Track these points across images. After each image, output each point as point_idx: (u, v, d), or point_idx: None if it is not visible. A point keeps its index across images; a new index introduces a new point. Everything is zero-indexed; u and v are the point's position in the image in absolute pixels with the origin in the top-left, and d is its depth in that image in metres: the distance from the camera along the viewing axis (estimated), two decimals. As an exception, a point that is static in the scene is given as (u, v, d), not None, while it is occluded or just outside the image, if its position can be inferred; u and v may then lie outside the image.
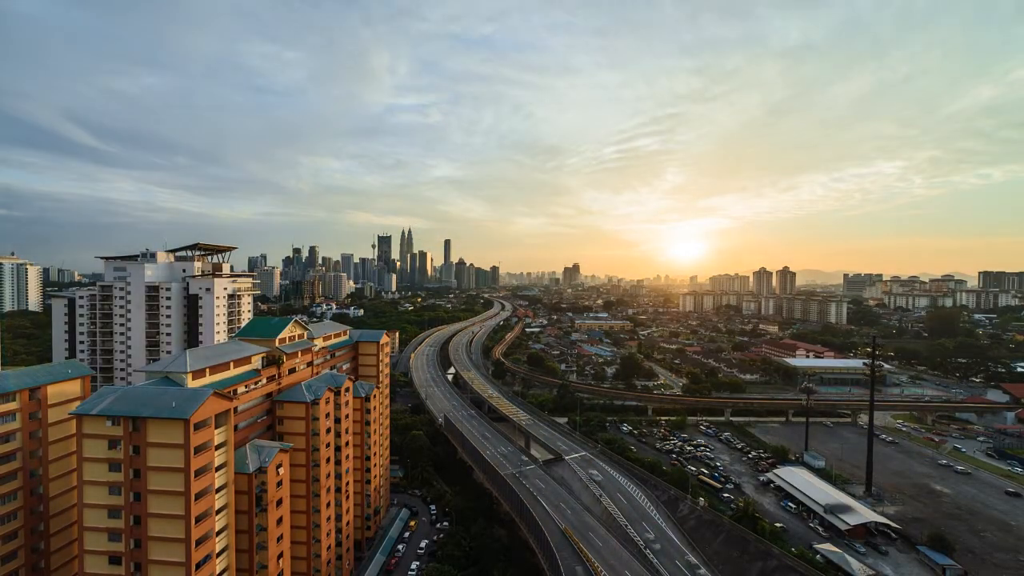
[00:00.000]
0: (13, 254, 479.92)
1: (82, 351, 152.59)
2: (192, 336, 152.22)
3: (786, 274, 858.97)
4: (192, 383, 65.34)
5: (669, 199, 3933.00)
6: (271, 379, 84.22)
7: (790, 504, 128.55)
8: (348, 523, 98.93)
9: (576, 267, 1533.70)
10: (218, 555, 63.09)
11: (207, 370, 68.80)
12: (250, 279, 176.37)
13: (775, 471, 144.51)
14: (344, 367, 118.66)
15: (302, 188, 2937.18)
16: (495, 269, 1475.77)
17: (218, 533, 63.29)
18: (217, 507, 63.05)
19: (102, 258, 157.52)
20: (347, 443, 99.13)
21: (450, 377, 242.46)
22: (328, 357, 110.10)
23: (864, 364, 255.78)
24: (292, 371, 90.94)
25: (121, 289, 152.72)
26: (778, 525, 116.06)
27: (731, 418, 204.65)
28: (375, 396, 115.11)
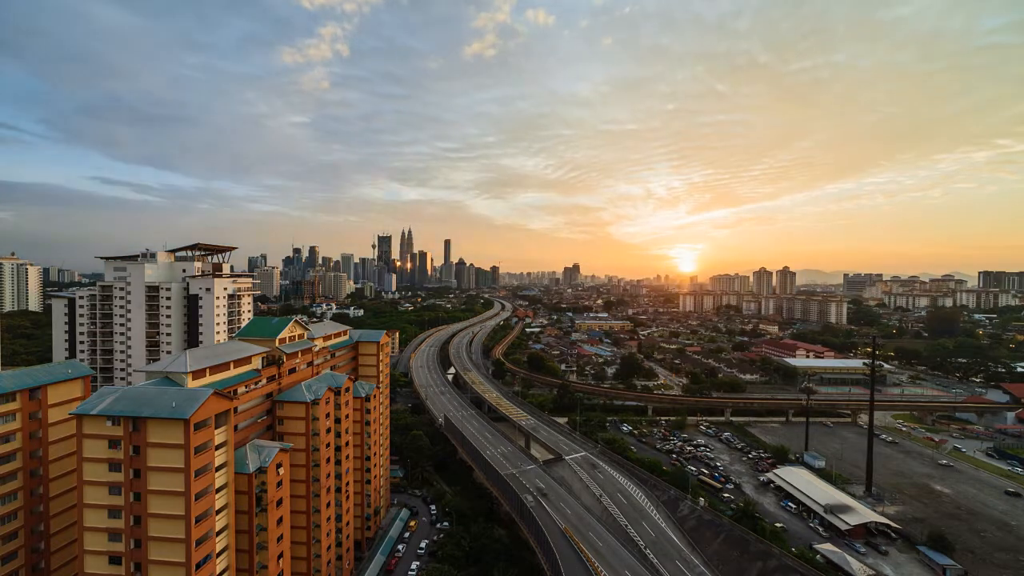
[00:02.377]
0: (13, 254, 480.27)
1: (82, 351, 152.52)
2: (192, 336, 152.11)
3: (786, 274, 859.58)
4: (192, 383, 65.32)
5: (675, 205, 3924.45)
6: (271, 379, 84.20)
7: (790, 504, 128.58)
8: (348, 523, 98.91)
9: (576, 267, 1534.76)
10: (218, 555, 63.07)
11: (207, 370, 68.77)
12: (250, 279, 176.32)
13: (775, 471, 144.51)
14: (344, 367, 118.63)
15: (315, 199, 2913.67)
16: (495, 269, 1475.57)
17: (218, 533, 63.27)
18: (217, 507, 63.03)
19: (102, 258, 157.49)
20: (347, 443, 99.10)
21: (450, 377, 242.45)
22: (328, 357, 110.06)
23: (864, 364, 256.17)
24: (292, 371, 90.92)
25: (121, 289, 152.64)
26: (778, 525, 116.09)
27: (731, 418, 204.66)
28: (375, 396, 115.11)
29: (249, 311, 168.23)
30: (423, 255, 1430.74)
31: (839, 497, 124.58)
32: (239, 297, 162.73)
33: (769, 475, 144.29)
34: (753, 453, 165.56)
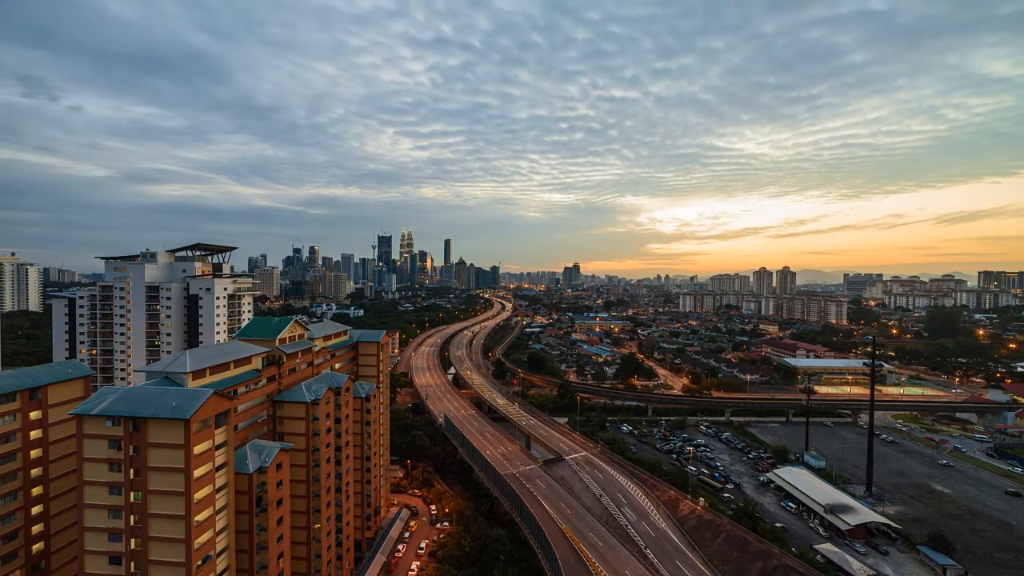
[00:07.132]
0: (13, 254, 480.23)
1: (82, 351, 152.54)
2: (192, 336, 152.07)
3: (786, 274, 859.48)
4: (192, 383, 65.30)
5: (681, 209, 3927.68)
6: (271, 379, 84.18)
7: (790, 504, 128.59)
8: (348, 523, 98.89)
9: (576, 267, 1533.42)
10: (218, 555, 63.04)
11: (207, 370, 68.76)
12: (250, 279, 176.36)
13: (775, 471, 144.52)
14: (344, 367, 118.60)
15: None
16: (495, 269, 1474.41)
17: (218, 533, 63.23)
18: (217, 507, 62.99)
19: (102, 258, 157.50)
20: (347, 443, 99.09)
21: (450, 377, 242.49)
22: (328, 357, 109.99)
23: (864, 364, 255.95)
24: (292, 371, 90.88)
25: (121, 289, 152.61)
26: (778, 525, 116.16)
27: (731, 418, 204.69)
28: (375, 396, 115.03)
29: (249, 311, 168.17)
30: (423, 255, 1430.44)
31: (839, 497, 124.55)
32: (239, 297, 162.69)
33: (769, 475, 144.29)
34: (753, 453, 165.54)
